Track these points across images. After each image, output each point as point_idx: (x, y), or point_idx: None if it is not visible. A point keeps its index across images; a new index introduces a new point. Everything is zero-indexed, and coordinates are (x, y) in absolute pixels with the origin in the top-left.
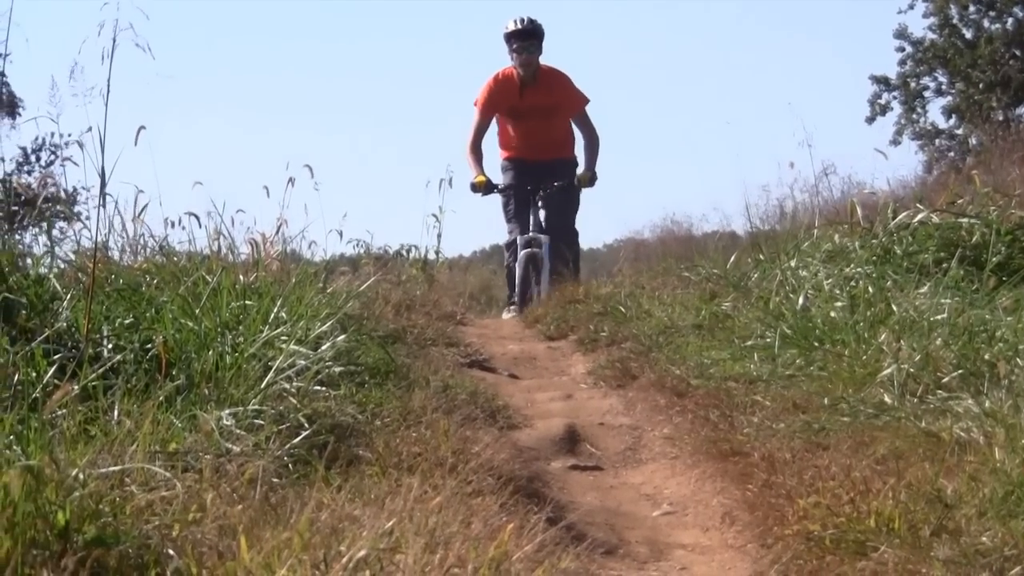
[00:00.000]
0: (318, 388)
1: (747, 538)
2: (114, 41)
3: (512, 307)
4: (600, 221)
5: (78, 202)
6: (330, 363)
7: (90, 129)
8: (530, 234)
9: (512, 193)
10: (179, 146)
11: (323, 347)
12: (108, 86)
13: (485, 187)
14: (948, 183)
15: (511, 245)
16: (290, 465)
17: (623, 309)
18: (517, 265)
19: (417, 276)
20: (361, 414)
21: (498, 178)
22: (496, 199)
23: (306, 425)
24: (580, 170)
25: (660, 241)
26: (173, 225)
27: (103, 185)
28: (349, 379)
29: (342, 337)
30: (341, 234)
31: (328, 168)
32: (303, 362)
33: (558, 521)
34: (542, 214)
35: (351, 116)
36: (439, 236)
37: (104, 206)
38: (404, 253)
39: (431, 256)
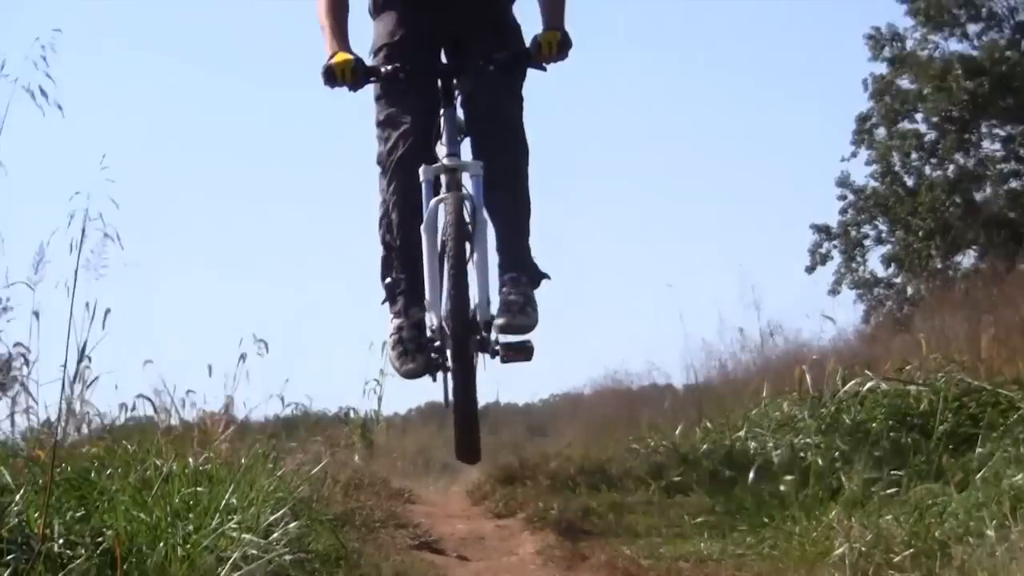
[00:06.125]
0: None
1: None
2: (83, 232)
3: (397, 314)
4: (533, 376)
5: (13, 368)
6: (283, 551)
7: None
8: (445, 159)
9: (400, 71)
10: (134, 314)
11: (274, 535)
12: (76, 276)
13: (352, 73)
14: (889, 341)
15: (399, 189)
16: None
17: (571, 484)
18: (423, 230)
19: (357, 443)
20: None
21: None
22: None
23: None
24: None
25: (598, 395)
26: (126, 409)
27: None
28: (300, 568)
29: (294, 524)
30: (283, 399)
31: (273, 328)
32: (254, 551)
33: None
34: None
35: (300, 272)
36: (379, 399)
37: (81, 387)
38: (343, 417)
39: (371, 418)
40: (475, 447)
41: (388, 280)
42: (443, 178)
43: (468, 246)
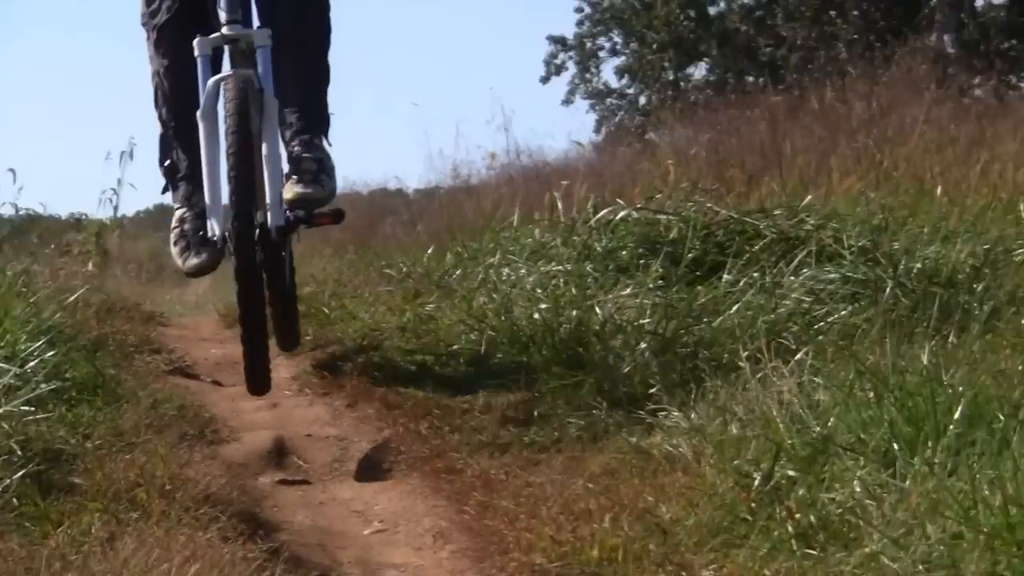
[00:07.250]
0: (27, 409)
1: (465, 563)
2: None
3: (180, 204)
4: None
5: None
6: (40, 381)
7: None
8: (225, 28)
9: None
10: None
11: (30, 364)
12: None
13: None
14: (633, 162)
15: (166, 58)
16: (14, 500)
17: (327, 310)
18: (199, 117)
19: (91, 251)
20: (73, 437)
21: None
22: None
23: (19, 453)
24: None
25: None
26: None
27: None
28: (58, 397)
29: (51, 353)
30: (16, 207)
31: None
32: (11, 380)
33: (274, 547)
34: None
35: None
36: (115, 208)
37: None
38: (75, 221)
39: (106, 225)
40: (268, 378)
41: (167, 163)
42: (226, 50)
43: (254, 137)
